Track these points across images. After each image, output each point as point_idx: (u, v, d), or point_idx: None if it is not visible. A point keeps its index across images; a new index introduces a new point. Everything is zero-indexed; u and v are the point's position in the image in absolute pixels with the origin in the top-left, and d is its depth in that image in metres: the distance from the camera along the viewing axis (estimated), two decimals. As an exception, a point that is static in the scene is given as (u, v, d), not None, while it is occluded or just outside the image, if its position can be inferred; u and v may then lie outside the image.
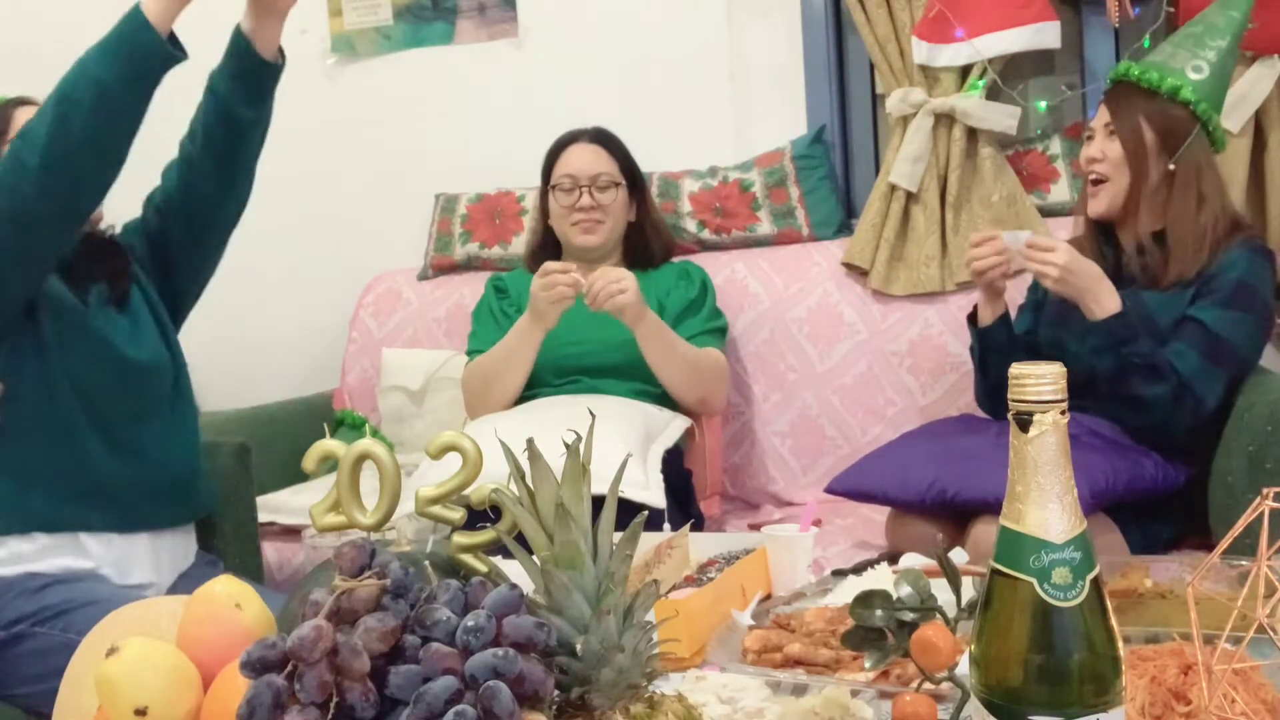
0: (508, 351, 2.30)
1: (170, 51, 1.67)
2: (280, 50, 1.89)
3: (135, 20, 1.65)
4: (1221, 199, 2.00)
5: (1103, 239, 2.08)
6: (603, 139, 2.50)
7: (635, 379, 2.33)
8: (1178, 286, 1.95)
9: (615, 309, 2.16)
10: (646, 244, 2.52)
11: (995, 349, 2.11)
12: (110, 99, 1.63)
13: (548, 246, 2.56)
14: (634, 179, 2.52)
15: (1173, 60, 2.02)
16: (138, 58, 1.65)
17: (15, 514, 1.73)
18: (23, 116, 1.78)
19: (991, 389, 2.18)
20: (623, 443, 2.00)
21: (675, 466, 2.24)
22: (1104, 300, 1.91)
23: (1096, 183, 2.03)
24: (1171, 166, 1.98)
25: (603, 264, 2.49)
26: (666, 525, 1.97)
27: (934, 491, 1.87)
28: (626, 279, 2.19)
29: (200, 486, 1.92)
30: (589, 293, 2.17)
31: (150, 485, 1.80)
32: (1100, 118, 2.05)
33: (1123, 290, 1.98)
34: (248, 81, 1.87)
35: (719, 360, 2.39)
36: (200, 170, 1.89)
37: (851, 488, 2.04)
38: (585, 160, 2.46)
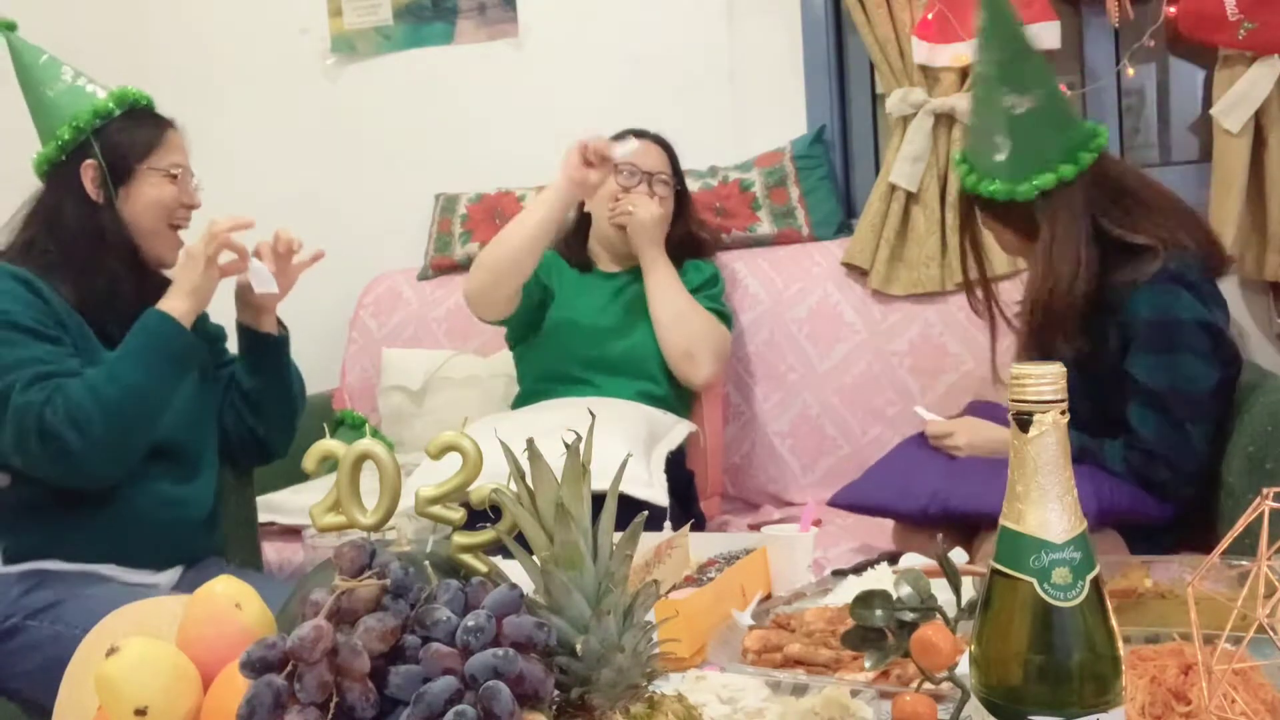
0: (529, 237, 2.26)
1: (196, 340, 1.79)
2: (280, 323, 1.96)
3: (159, 321, 1.74)
4: (1074, 251, 1.81)
5: None
6: (664, 144, 2.50)
7: (640, 378, 2.34)
8: (1094, 330, 1.83)
9: (623, 224, 2.38)
10: (675, 250, 2.48)
11: None
12: (151, 397, 1.73)
13: (579, 235, 2.54)
14: (680, 190, 2.53)
15: (982, 143, 1.85)
16: (172, 352, 1.75)
17: (28, 547, 1.74)
18: (172, 139, 1.85)
19: None
20: (625, 443, 2.00)
21: (678, 467, 2.24)
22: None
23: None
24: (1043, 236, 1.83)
25: (631, 255, 2.47)
26: (668, 524, 1.97)
27: (937, 504, 1.85)
28: (641, 206, 2.34)
29: (212, 532, 1.94)
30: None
31: (159, 529, 1.81)
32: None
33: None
34: (252, 355, 1.96)
35: (719, 328, 2.40)
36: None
37: (855, 502, 2.02)
38: (650, 156, 2.46)
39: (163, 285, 1.83)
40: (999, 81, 1.82)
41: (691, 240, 2.54)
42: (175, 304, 1.75)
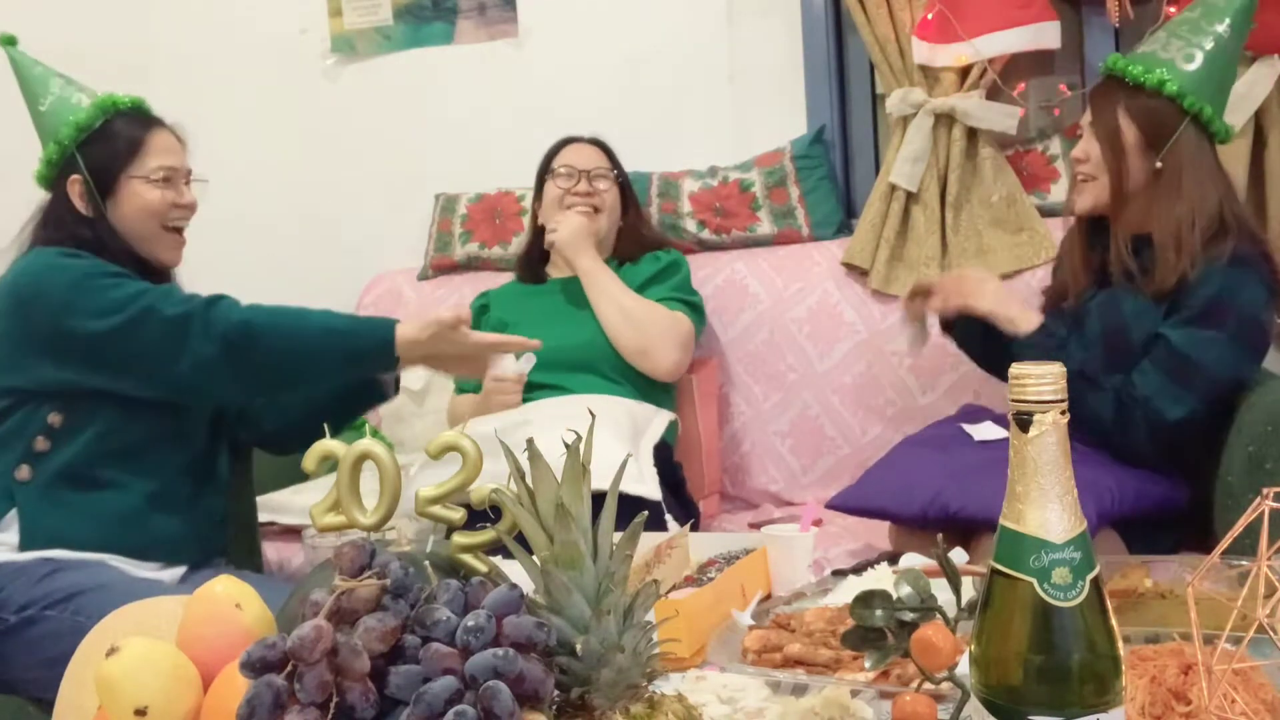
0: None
1: (394, 374, 1.86)
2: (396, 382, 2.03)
3: (386, 336, 1.77)
4: (1205, 197, 1.88)
5: (1094, 236, 2.03)
6: (598, 143, 2.59)
7: (602, 376, 2.35)
8: (1159, 297, 1.87)
9: (549, 246, 2.46)
10: (628, 244, 2.57)
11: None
12: (318, 373, 1.81)
13: (535, 251, 2.59)
14: (623, 184, 2.60)
15: (1164, 50, 1.92)
16: (365, 364, 1.82)
17: (44, 533, 1.75)
18: (157, 141, 1.85)
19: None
20: (613, 439, 2.01)
21: (666, 460, 2.25)
22: (1018, 317, 1.93)
23: (1084, 181, 1.99)
24: (1158, 165, 1.90)
25: None
26: (668, 516, 1.99)
27: (936, 507, 1.84)
28: (563, 224, 2.40)
29: (221, 532, 1.96)
30: None
31: (174, 525, 1.83)
32: (1087, 115, 2.00)
33: (1106, 291, 1.96)
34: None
35: (672, 318, 2.40)
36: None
37: (854, 504, 2.01)
38: (584, 155, 2.54)
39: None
40: (1224, 14, 1.91)
41: (642, 237, 2.60)
42: (410, 333, 1.76)
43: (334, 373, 1.81)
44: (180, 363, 1.69)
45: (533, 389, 2.37)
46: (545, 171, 2.56)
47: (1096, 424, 1.85)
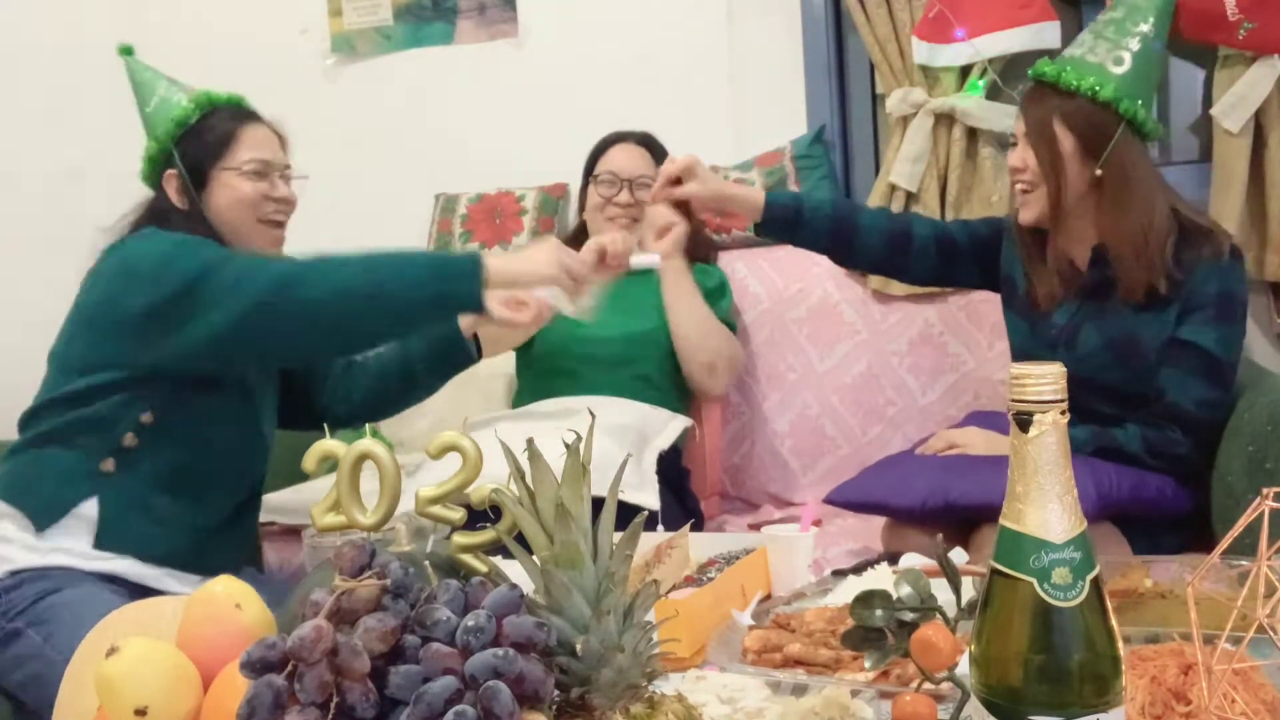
0: None
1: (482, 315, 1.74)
2: (476, 341, 2.01)
3: (473, 273, 1.65)
4: (1154, 202, 1.86)
5: (1040, 247, 1.98)
6: (647, 143, 2.51)
7: (635, 371, 2.34)
8: (1156, 304, 1.86)
9: (660, 236, 2.24)
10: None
11: (788, 230, 2.09)
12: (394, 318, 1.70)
13: (579, 239, 2.55)
14: None
15: (1092, 53, 1.89)
16: (451, 304, 1.71)
17: (118, 538, 1.73)
18: (250, 135, 1.86)
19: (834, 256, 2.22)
20: (617, 446, 2.00)
21: (672, 462, 2.24)
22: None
23: (1026, 191, 1.94)
24: (1099, 172, 1.87)
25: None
26: (660, 527, 1.98)
27: (935, 496, 1.83)
28: (677, 222, 2.24)
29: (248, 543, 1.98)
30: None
31: (234, 531, 1.86)
32: (1020, 124, 1.94)
33: (1090, 306, 1.93)
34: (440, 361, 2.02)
35: (735, 341, 2.41)
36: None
37: (852, 499, 1.98)
38: (629, 160, 2.48)
39: None
40: (1147, 13, 1.91)
41: (697, 239, 2.54)
42: (498, 263, 1.67)
43: (420, 295, 1.66)
44: (269, 272, 1.65)
45: (557, 378, 2.35)
46: (591, 167, 2.50)
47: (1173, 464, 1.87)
